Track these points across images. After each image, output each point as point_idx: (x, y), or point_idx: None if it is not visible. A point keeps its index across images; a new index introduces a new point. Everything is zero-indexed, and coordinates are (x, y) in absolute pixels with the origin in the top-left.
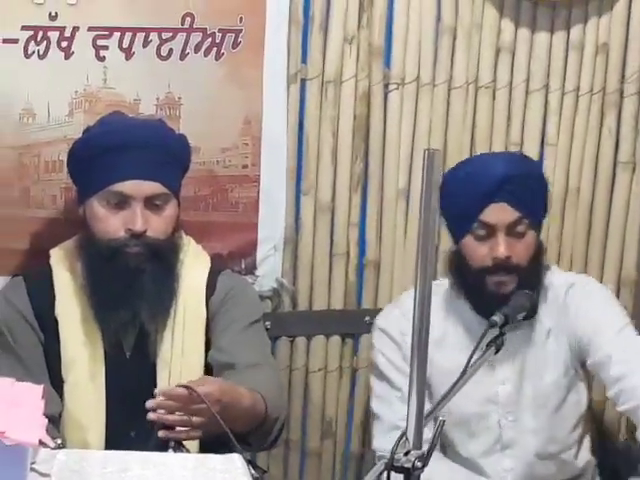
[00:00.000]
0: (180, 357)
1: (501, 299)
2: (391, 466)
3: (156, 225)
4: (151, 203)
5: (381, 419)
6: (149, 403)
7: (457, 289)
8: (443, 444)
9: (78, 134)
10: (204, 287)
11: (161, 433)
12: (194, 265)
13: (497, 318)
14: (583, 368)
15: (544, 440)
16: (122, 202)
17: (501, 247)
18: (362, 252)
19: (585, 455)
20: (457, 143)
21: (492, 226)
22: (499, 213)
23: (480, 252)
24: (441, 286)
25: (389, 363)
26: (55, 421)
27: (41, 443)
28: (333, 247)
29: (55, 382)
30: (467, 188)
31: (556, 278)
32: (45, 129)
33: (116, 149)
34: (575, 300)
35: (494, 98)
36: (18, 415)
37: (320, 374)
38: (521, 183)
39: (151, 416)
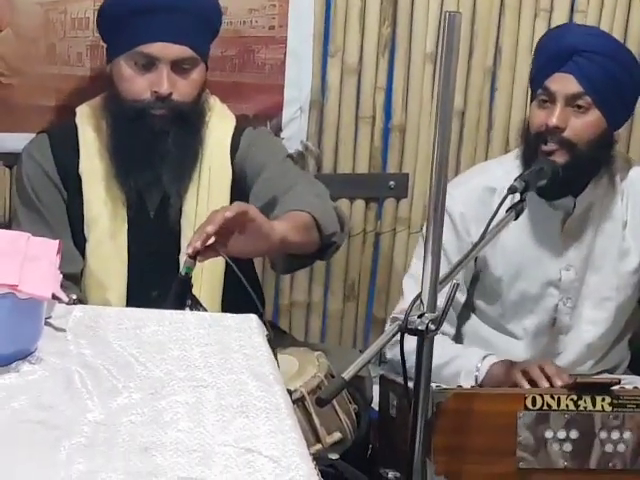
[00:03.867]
0: (204, 217)
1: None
2: (405, 328)
3: (182, 88)
4: (178, 66)
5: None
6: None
7: (523, 157)
8: (487, 316)
9: None
10: (228, 146)
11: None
12: (219, 125)
13: (517, 184)
14: None
15: (599, 333)
16: (149, 64)
17: (554, 116)
18: (388, 116)
19: (623, 350)
20: (486, 8)
21: (553, 94)
22: (562, 82)
23: (538, 118)
24: (511, 157)
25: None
26: (76, 279)
27: (55, 297)
28: (359, 110)
29: (77, 240)
30: (543, 52)
31: (637, 173)
32: None
33: (146, 10)
34: None
35: None
36: (32, 269)
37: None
38: (593, 60)
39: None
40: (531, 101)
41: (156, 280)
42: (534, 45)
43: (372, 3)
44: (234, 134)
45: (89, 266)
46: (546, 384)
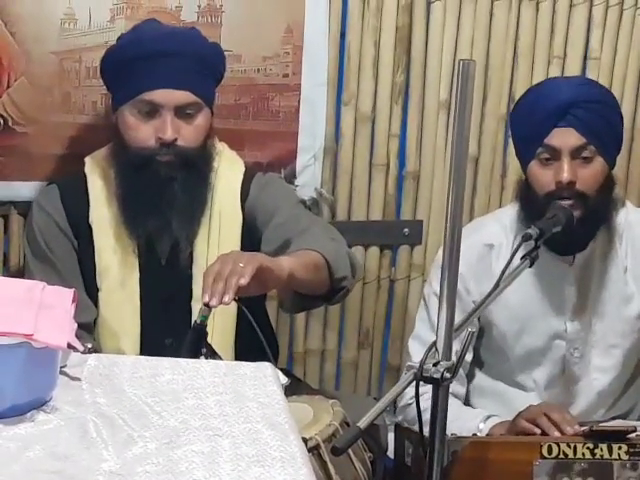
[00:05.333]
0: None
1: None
2: (420, 376)
3: (187, 134)
4: (182, 112)
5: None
6: (205, 298)
7: (524, 218)
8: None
9: None
10: (239, 192)
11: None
12: (228, 171)
13: (532, 231)
14: None
15: (609, 380)
16: (153, 111)
17: (564, 171)
18: (402, 163)
19: (635, 394)
20: (499, 56)
21: (557, 150)
22: (564, 137)
23: (545, 177)
24: (508, 213)
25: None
26: (89, 329)
27: (70, 347)
28: (373, 158)
29: (90, 290)
30: (534, 111)
31: (633, 216)
32: (86, 34)
33: (147, 57)
34: None
35: (537, 10)
36: (47, 318)
37: (358, 285)
38: (589, 109)
39: (205, 301)
40: (523, 162)
41: (169, 327)
42: None
43: (385, 51)
44: (244, 179)
45: (102, 315)
46: (557, 433)
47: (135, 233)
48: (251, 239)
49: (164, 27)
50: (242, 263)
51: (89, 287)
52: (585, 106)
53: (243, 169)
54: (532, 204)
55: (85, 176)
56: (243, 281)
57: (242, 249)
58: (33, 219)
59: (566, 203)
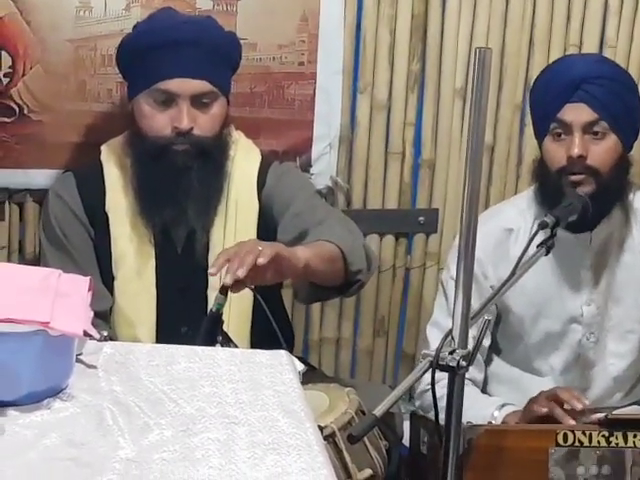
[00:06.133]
0: None
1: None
2: (436, 364)
3: (203, 123)
4: (198, 101)
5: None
6: (212, 269)
7: (540, 199)
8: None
9: None
10: (255, 180)
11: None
12: (244, 160)
13: (548, 219)
14: None
15: (625, 365)
16: (169, 100)
17: (575, 145)
18: (417, 152)
19: None
20: (515, 44)
21: (568, 125)
22: (576, 112)
23: (557, 152)
24: (525, 197)
25: None
26: (105, 317)
27: (86, 334)
28: (388, 146)
29: (106, 278)
30: (549, 87)
31: None
32: (102, 22)
33: (163, 46)
34: None
35: None
36: (64, 306)
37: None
38: (602, 85)
39: (212, 271)
40: (540, 140)
41: (185, 315)
42: None
43: (401, 39)
44: (260, 168)
45: (118, 304)
46: (572, 422)
47: (151, 222)
48: (267, 228)
49: (180, 16)
50: (260, 247)
51: (105, 275)
52: (597, 82)
53: (259, 158)
54: (547, 182)
55: (101, 164)
56: (262, 260)
57: (258, 238)
58: (49, 207)
59: (577, 178)
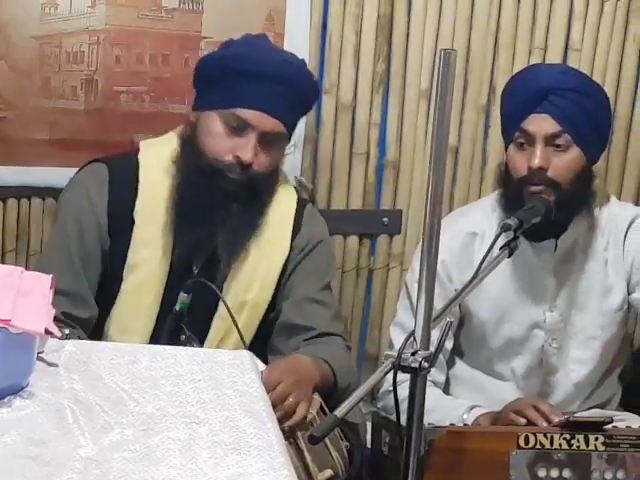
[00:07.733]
0: (246, 291)
1: None
2: (398, 365)
3: (263, 161)
4: (265, 138)
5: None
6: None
7: (504, 204)
8: (475, 360)
9: (100, 25)
10: (291, 224)
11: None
12: (282, 202)
13: (511, 221)
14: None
15: (586, 372)
16: (240, 128)
17: (536, 157)
18: (382, 152)
19: (612, 386)
20: (480, 46)
21: (531, 135)
22: (539, 123)
23: (519, 162)
24: (490, 201)
25: None
26: (85, 325)
27: (48, 332)
28: (353, 147)
29: (112, 280)
30: (515, 96)
31: (616, 209)
32: (67, 20)
33: (257, 77)
34: (637, 233)
35: (519, 1)
36: (25, 304)
37: (337, 273)
38: (566, 97)
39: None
40: (506, 146)
41: (183, 335)
42: None
43: (367, 40)
44: (296, 211)
45: (118, 308)
46: (544, 424)
47: (179, 237)
48: (285, 272)
49: (278, 50)
50: (301, 396)
51: (111, 277)
52: (562, 94)
53: (295, 197)
54: (509, 189)
55: (137, 162)
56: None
57: (279, 280)
58: (70, 193)
59: (537, 189)
